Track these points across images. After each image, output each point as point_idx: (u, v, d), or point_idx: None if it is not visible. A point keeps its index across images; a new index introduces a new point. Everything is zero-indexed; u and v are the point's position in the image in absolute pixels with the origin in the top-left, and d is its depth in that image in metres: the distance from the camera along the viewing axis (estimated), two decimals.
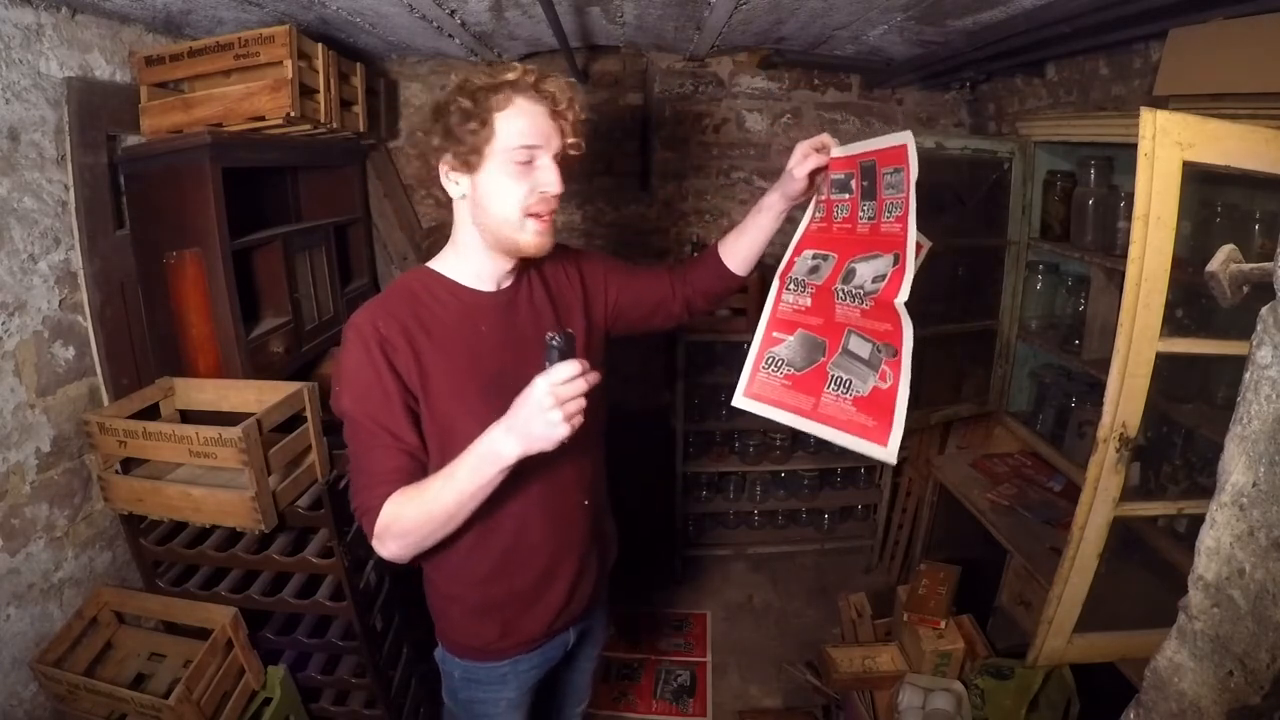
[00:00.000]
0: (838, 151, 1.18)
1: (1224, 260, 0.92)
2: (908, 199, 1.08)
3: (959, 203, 2.28)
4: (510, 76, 1.00)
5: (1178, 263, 1.27)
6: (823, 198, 1.22)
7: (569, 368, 0.86)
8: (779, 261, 1.26)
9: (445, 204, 1.09)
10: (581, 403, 0.87)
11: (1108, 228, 1.82)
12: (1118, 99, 1.99)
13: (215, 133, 1.67)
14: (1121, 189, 1.83)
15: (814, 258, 1.20)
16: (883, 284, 1.07)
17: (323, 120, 1.91)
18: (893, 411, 1.00)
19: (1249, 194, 1.50)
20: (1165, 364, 1.32)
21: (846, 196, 1.18)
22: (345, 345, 1.03)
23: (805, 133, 2.84)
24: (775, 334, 1.15)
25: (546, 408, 0.85)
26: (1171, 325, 1.34)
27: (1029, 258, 2.22)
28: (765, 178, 2.91)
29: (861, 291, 1.09)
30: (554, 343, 0.89)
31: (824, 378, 1.07)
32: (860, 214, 1.15)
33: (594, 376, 0.89)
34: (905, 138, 1.10)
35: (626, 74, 2.73)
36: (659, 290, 1.31)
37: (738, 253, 1.29)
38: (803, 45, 2.41)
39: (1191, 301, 1.45)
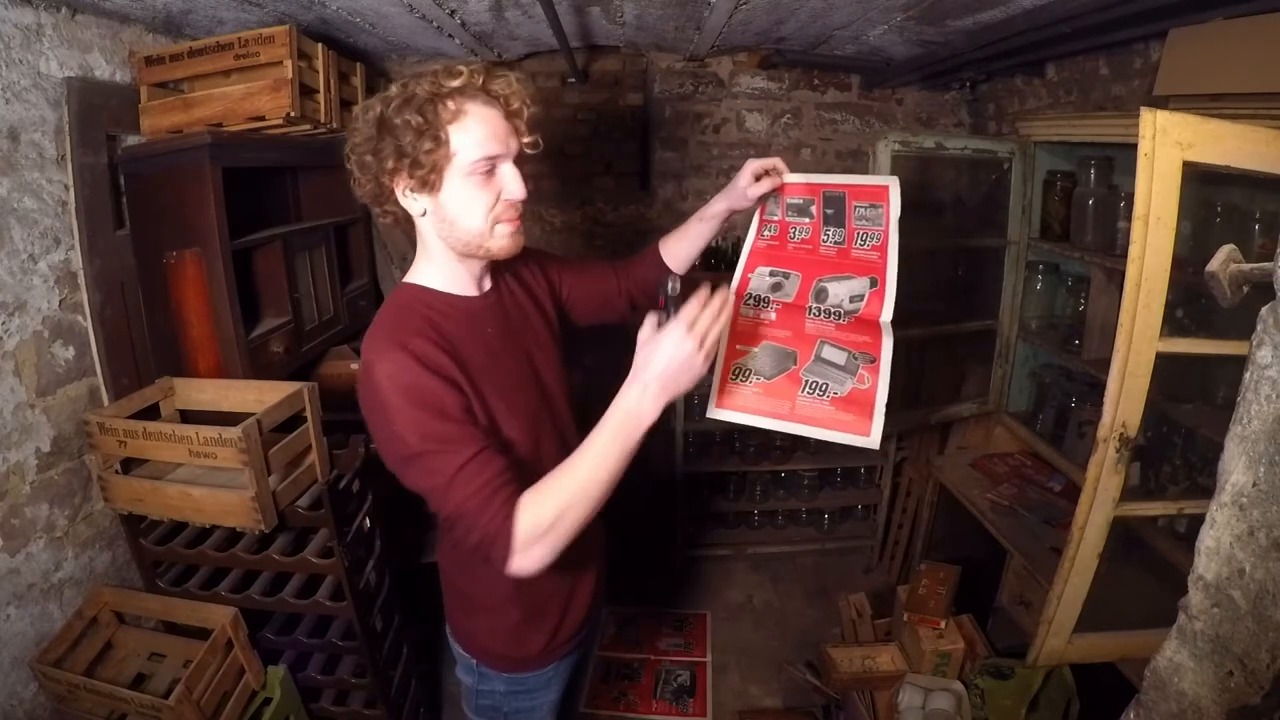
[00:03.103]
0: (792, 178, 1.24)
1: (1224, 260, 0.92)
2: (887, 232, 1.17)
3: (959, 203, 2.29)
4: (456, 83, 0.93)
5: (1178, 263, 1.27)
6: (775, 218, 1.28)
7: (694, 306, 0.89)
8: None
9: (400, 219, 1.03)
10: (716, 330, 0.89)
11: (1108, 228, 1.82)
12: (1118, 99, 1.99)
13: (215, 133, 1.66)
14: (1121, 189, 1.83)
15: (773, 274, 1.25)
16: (862, 303, 1.15)
17: (323, 120, 1.91)
18: (873, 406, 1.08)
19: (1249, 194, 1.50)
20: (1165, 364, 1.32)
21: (805, 220, 1.25)
22: (376, 383, 0.93)
23: (805, 133, 2.88)
24: (739, 346, 1.20)
25: (693, 352, 0.88)
26: (1171, 325, 1.34)
27: (1029, 258, 2.22)
28: None
29: (840, 310, 1.17)
30: (673, 291, 0.93)
31: (798, 383, 1.13)
32: (823, 237, 1.23)
33: (720, 295, 0.90)
34: (890, 180, 1.17)
35: (626, 74, 2.73)
36: (606, 285, 1.35)
37: (678, 254, 1.35)
38: (803, 45, 2.41)
39: (1191, 301, 1.45)
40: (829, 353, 1.13)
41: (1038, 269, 2.22)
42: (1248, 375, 0.78)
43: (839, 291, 1.18)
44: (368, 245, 2.57)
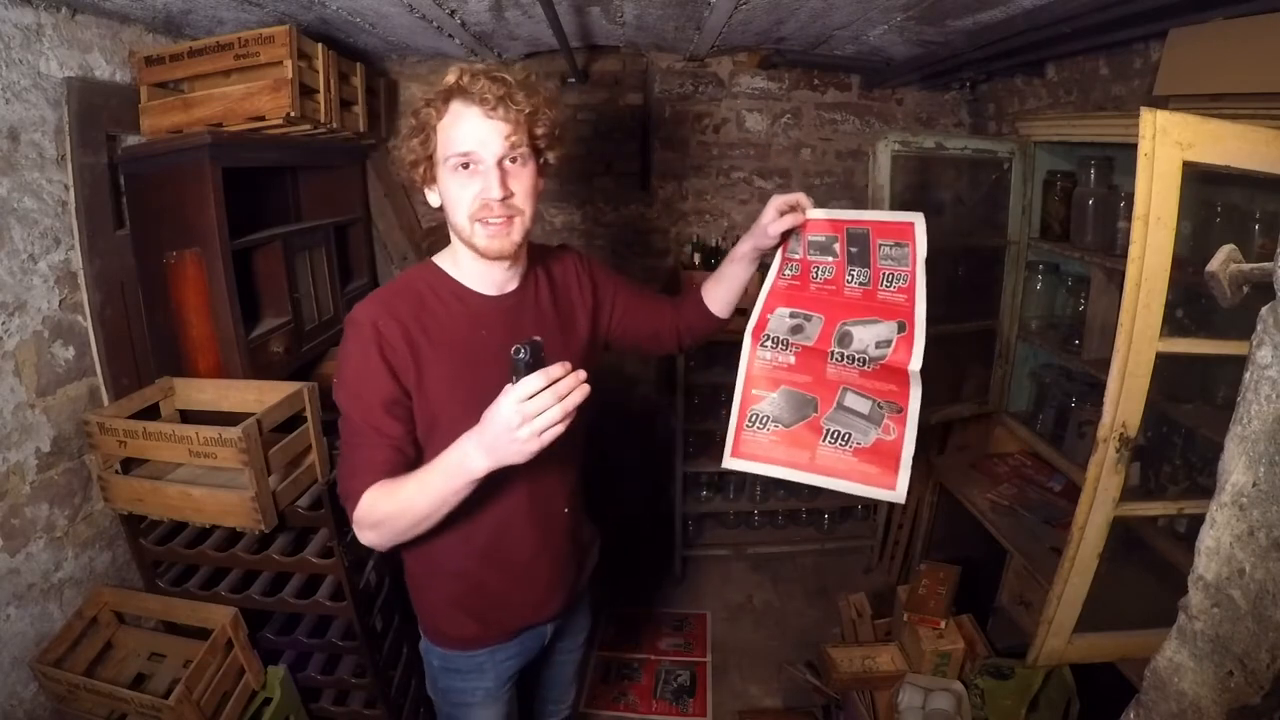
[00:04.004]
0: (816, 213, 1.18)
1: (1224, 260, 0.92)
2: (914, 273, 1.10)
3: (959, 203, 2.28)
4: (449, 80, 1.00)
5: (1178, 263, 1.27)
6: (797, 257, 1.21)
7: (535, 381, 0.82)
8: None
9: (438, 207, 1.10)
10: (554, 414, 0.83)
11: (1108, 228, 1.82)
12: (1118, 99, 1.99)
13: (215, 133, 1.67)
14: (1121, 189, 1.83)
15: (793, 316, 1.19)
16: (889, 350, 1.09)
17: (323, 120, 1.91)
18: (899, 458, 1.03)
19: (1249, 194, 1.50)
20: (1165, 364, 1.32)
21: (829, 259, 1.18)
22: (344, 340, 1.05)
23: (805, 133, 2.88)
24: (755, 391, 1.14)
25: (514, 426, 0.82)
26: (1171, 325, 1.34)
27: (1029, 258, 2.23)
28: (765, 178, 2.91)
29: (865, 356, 1.11)
30: (519, 355, 0.83)
31: (819, 432, 1.08)
32: (848, 278, 1.16)
33: (573, 380, 0.85)
34: (915, 217, 1.11)
35: (626, 74, 2.73)
36: (662, 319, 1.33)
37: (717, 297, 1.32)
38: (803, 45, 2.41)
39: (1191, 301, 1.45)
40: (852, 401, 1.08)
41: (1038, 269, 2.22)
42: (1248, 375, 0.78)
43: (864, 336, 1.12)
44: (368, 245, 2.57)
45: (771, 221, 1.16)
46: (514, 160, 1.01)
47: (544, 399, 0.82)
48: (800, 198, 1.17)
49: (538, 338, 0.87)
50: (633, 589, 2.70)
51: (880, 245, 1.13)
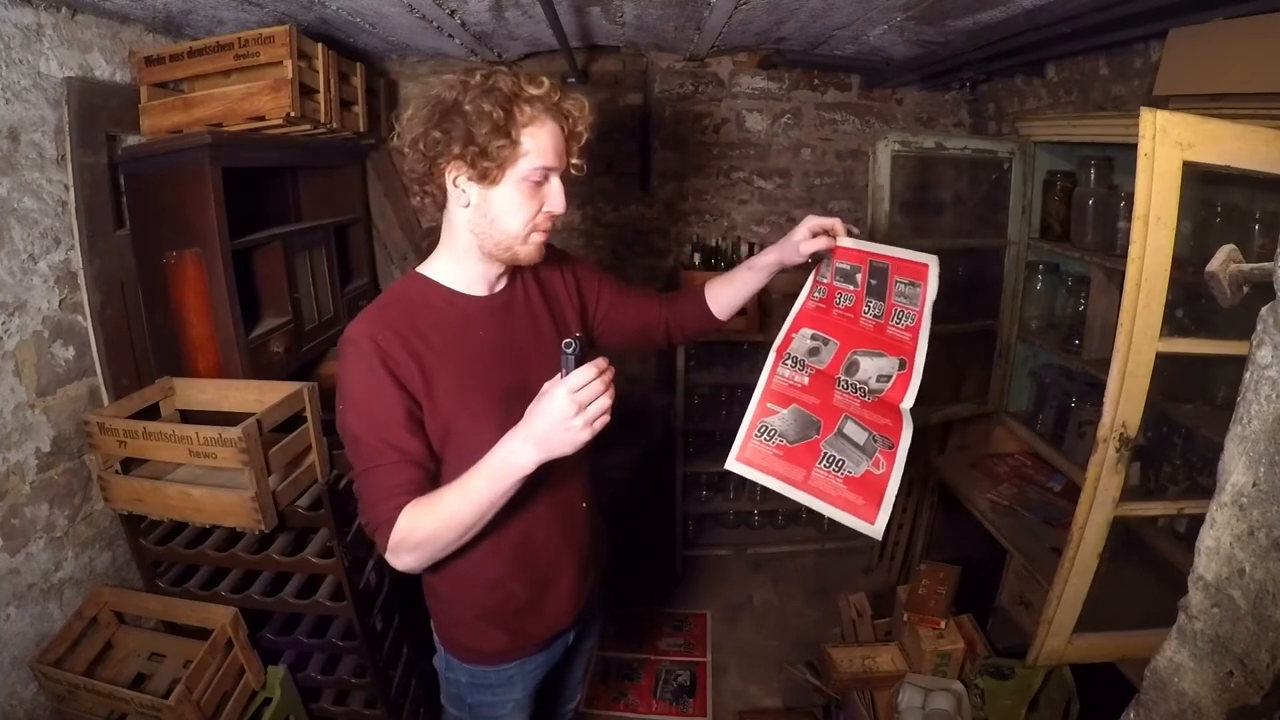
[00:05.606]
0: (847, 242, 1.21)
1: (1224, 260, 0.92)
2: (921, 314, 1.15)
3: (959, 202, 2.29)
4: (536, 91, 0.98)
5: (1178, 263, 1.27)
6: (825, 281, 1.26)
7: (586, 372, 0.87)
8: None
9: (439, 203, 1.06)
10: (604, 403, 0.88)
11: (1108, 228, 1.83)
12: (1118, 99, 1.99)
13: (215, 133, 1.67)
14: (1121, 189, 1.83)
15: (813, 338, 1.23)
16: (888, 385, 1.14)
17: (323, 120, 1.91)
18: (883, 494, 1.06)
19: (1249, 194, 1.50)
20: (1165, 364, 1.32)
21: (851, 288, 1.23)
22: (344, 362, 1.01)
23: (805, 133, 2.88)
24: (769, 405, 1.18)
25: (569, 415, 0.87)
26: (1171, 325, 1.34)
27: (1029, 258, 2.23)
28: (765, 178, 2.91)
29: (866, 388, 1.15)
30: (570, 349, 0.89)
31: (817, 454, 1.11)
32: (865, 309, 1.21)
33: (611, 373, 0.90)
34: (929, 260, 1.15)
35: (626, 74, 2.73)
36: (648, 313, 1.34)
37: (721, 299, 1.33)
38: (803, 45, 2.41)
39: (1191, 301, 1.45)
40: (851, 429, 1.12)
41: (1038, 269, 2.22)
42: (1248, 375, 0.78)
43: (869, 368, 1.17)
44: (368, 245, 2.57)
45: (803, 240, 1.18)
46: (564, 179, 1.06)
47: (595, 388, 0.88)
48: (836, 223, 1.19)
49: (579, 334, 0.93)
50: (633, 589, 2.70)
51: (897, 282, 1.17)
